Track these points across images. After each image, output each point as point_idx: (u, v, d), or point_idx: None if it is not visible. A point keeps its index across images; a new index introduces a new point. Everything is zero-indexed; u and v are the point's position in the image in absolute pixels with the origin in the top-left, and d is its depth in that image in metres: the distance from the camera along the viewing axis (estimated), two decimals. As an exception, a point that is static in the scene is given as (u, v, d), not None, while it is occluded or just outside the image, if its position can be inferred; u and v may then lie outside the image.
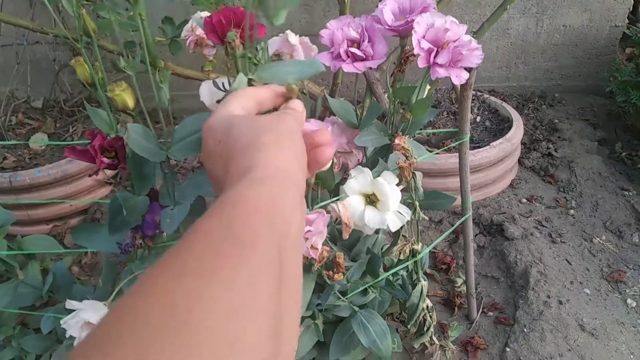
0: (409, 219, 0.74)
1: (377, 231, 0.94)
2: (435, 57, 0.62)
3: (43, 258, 1.24)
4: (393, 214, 0.73)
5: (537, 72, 1.81)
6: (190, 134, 0.57)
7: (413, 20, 0.63)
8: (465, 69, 0.64)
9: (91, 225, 0.74)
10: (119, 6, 1.00)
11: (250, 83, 0.64)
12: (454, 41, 0.62)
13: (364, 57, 0.64)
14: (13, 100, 1.64)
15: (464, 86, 0.78)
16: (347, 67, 0.64)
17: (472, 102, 1.40)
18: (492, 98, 1.61)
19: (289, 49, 0.77)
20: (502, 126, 1.50)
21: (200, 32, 0.73)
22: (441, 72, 0.61)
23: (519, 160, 1.49)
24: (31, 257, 1.07)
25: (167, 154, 0.57)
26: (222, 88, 0.66)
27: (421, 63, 0.62)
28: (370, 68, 0.64)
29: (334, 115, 0.86)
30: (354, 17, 0.68)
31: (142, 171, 0.65)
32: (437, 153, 1.08)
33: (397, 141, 0.75)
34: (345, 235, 0.67)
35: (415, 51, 0.61)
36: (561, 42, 1.75)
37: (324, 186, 0.76)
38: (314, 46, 0.79)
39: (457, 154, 1.33)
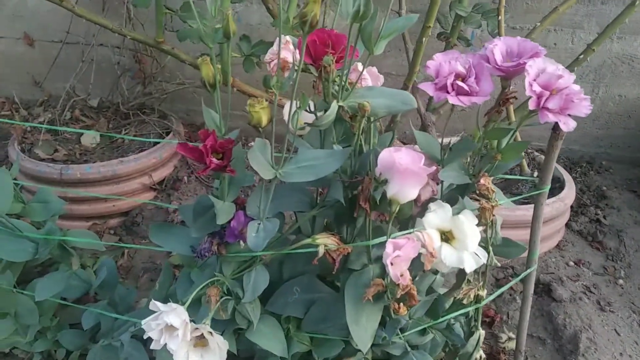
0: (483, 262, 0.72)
1: (435, 271, 0.92)
2: (545, 101, 0.62)
3: (81, 254, 1.23)
4: (470, 254, 0.71)
5: (586, 137, 1.81)
6: (306, 163, 0.57)
7: (525, 63, 0.64)
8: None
9: (167, 226, 0.73)
10: (203, 16, 1.02)
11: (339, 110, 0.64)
12: (565, 88, 0.62)
13: (469, 92, 0.65)
14: (73, 96, 1.67)
15: (555, 136, 0.77)
16: (453, 100, 0.64)
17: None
18: (542, 157, 1.60)
19: (356, 77, 0.77)
20: (552, 186, 1.48)
21: (285, 55, 0.74)
22: (550, 117, 0.61)
23: (566, 223, 1.47)
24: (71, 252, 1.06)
25: (277, 173, 0.57)
26: (311, 110, 0.66)
27: (531, 105, 0.62)
28: (474, 104, 0.64)
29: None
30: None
31: (233, 178, 0.65)
32: (512, 200, 1.07)
33: (482, 181, 0.74)
34: (428, 266, 0.65)
35: (527, 93, 0.62)
36: (614, 111, 1.76)
37: (400, 215, 0.75)
38: (380, 75, 0.80)
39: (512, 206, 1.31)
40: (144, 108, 1.72)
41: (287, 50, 0.71)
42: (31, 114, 1.85)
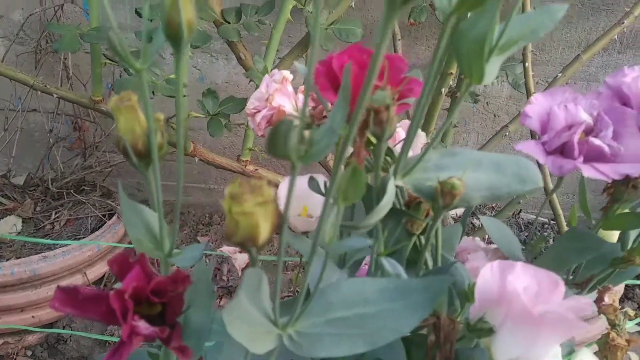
0: None
1: None
2: None
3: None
4: None
5: None
6: (343, 311, 0.27)
7: None
8: None
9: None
10: (156, 64, 0.73)
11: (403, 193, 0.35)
12: None
13: (609, 155, 0.37)
14: (-11, 172, 1.33)
15: None
16: (588, 171, 0.36)
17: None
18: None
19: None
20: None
21: (279, 102, 0.45)
22: None
23: None
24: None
25: (284, 337, 0.26)
26: (320, 190, 0.37)
27: None
28: (625, 177, 0.37)
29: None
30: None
31: (192, 326, 0.34)
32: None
33: (606, 300, 0.46)
34: None
35: None
36: None
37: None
38: (422, 133, 0.53)
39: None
40: (83, 185, 1.39)
41: (283, 93, 0.42)
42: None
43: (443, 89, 0.89)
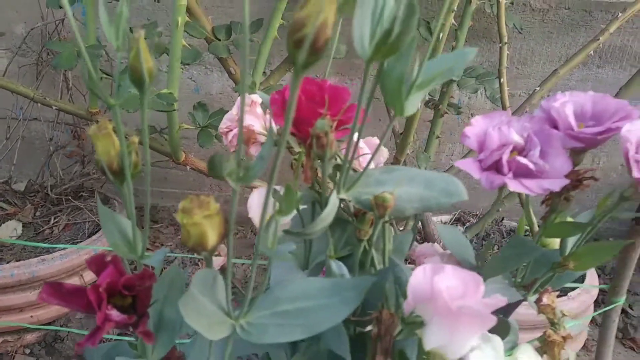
0: None
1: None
2: (661, 184, 0.40)
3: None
4: (538, 417, 0.46)
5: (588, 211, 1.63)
6: (287, 305, 0.32)
7: (617, 128, 0.42)
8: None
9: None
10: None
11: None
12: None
13: (535, 172, 0.42)
14: (-9, 179, 1.39)
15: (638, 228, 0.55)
16: (514, 186, 0.41)
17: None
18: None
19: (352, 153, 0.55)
20: (568, 271, 1.26)
21: (249, 122, 0.50)
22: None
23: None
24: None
25: (237, 326, 0.31)
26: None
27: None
28: (547, 191, 0.42)
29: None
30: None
31: (165, 320, 0.39)
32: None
33: (545, 300, 0.51)
34: None
35: (635, 174, 0.40)
36: (617, 182, 1.59)
37: None
38: (384, 149, 0.57)
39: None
40: (81, 191, 1.44)
41: (252, 114, 0.48)
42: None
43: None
